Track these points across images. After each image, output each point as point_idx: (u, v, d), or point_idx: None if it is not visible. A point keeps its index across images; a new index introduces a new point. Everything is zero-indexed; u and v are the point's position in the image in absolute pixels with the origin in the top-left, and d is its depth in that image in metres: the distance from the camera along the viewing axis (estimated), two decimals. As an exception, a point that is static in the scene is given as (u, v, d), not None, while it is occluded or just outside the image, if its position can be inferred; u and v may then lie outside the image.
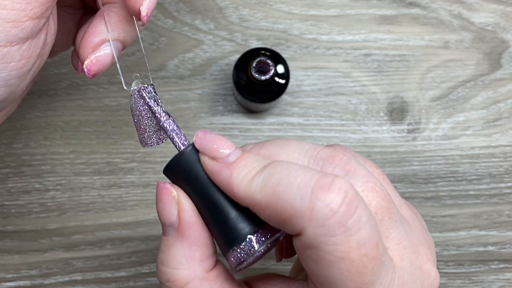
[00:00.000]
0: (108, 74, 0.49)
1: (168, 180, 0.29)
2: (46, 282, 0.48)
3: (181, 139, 0.29)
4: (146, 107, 0.30)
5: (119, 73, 0.31)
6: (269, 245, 0.27)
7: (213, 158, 0.26)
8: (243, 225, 0.26)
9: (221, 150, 0.26)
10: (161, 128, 0.30)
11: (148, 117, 0.30)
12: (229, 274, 0.28)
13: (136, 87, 0.30)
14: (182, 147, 0.28)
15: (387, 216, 0.25)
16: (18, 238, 0.49)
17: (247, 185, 0.25)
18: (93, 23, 0.31)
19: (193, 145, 0.28)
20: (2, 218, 0.49)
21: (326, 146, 0.27)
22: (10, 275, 0.48)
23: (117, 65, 0.31)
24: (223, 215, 0.26)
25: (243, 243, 0.26)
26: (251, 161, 0.26)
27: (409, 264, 0.25)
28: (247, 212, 0.26)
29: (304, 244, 0.24)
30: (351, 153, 0.28)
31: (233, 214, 0.26)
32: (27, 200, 0.49)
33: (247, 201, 0.25)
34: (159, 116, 0.29)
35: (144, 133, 0.30)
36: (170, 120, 0.29)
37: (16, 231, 0.49)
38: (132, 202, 0.49)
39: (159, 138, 0.30)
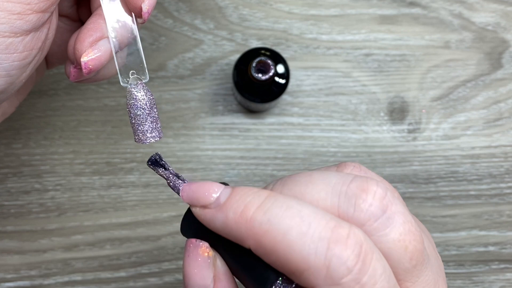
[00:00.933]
0: (107, 74, 0.49)
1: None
2: (46, 282, 0.48)
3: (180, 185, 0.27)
4: (146, 106, 0.30)
5: (117, 71, 0.31)
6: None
7: (204, 207, 0.24)
8: (267, 273, 0.23)
9: (211, 195, 0.24)
10: (170, 188, 0.28)
11: (145, 113, 0.30)
12: None
13: (133, 83, 0.31)
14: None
15: (421, 261, 0.24)
16: (17, 238, 0.48)
17: (249, 224, 0.22)
18: (91, 20, 0.31)
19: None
20: (2, 218, 0.49)
21: (348, 168, 0.26)
22: (9, 276, 0.48)
23: (115, 62, 0.31)
24: (244, 267, 0.24)
25: None
26: (245, 195, 0.23)
27: None
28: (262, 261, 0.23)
29: None
30: (378, 177, 0.25)
31: (252, 263, 0.23)
32: (26, 200, 0.49)
33: (250, 243, 0.22)
34: (169, 182, 0.27)
35: (139, 130, 0.31)
36: (180, 181, 0.27)
37: (15, 231, 0.49)
38: (131, 202, 0.49)
39: (155, 136, 0.31)
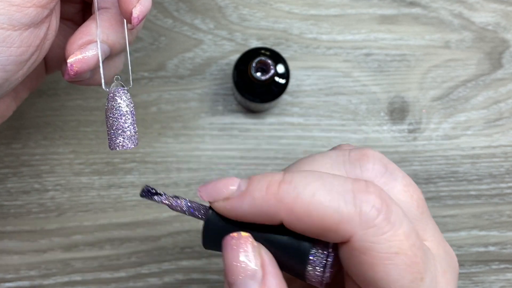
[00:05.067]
0: (107, 73, 0.49)
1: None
2: (46, 282, 0.48)
3: (199, 210, 0.27)
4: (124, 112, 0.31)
5: (100, 72, 0.31)
6: (332, 251, 0.25)
7: (227, 198, 0.25)
8: (302, 245, 0.24)
9: (230, 187, 0.25)
10: (175, 210, 0.28)
11: (124, 119, 0.30)
12: None
13: (114, 89, 0.31)
14: (203, 215, 0.27)
15: (426, 209, 0.26)
16: (17, 239, 0.48)
17: (278, 196, 0.23)
18: (85, 23, 0.31)
19: (210, 207, 0.26)
20: (1, 219, 0.48)
21: (344, 147, 0.28)
22: (9, 276, 0.48)
23: (100, 67, 0.31)
24: (280, 249, 0.25)
25: (312, 259, 0.24)
26: (264, 176, 0.24)
27: (443, 251, 0.26)
28: (293, 235, 0.24)
29: (355, 249, 0.23)
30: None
31: (286, 241, 0.25)
32: (26, 200, 0.49)
33: (282, 215, 0.23)
34: (170, 204, 0.27)
35: (116, 136, 0.31)
36: (180, 201, 0.27)
37: (15, 231, 0.49)
38: (131, 202, 0.49)
39: (132, 143, 0.31)
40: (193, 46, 0.50)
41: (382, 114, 0.50)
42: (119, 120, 0.30)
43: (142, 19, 0.30)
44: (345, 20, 0.51)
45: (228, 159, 0.49)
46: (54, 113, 0.49)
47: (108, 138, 0.31)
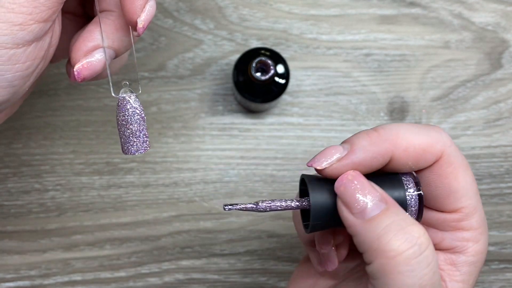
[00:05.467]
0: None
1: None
2: (46, 282, 0.48)
3: (293, 202, 0.30)
4: (137, 113, 0.31)
5: (108, 79, 0.31)
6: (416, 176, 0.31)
7: (339, 159, 0.29)
8: (396, 176, 0.30)
9: (337, 150, 0.29)
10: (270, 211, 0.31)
11: (137, 124, 0.31)
12: None
13: (123, 95, 0.31)
14: (299, 204, 0.30)
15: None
16: (17, 238, 0.48)
17: (382, 139, 0.29)
18: (88, 28, 0.31)
19: (307, 199, 0.30)
20: (2, 218, 0.49)
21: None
22: (9, 275, 0.48)
23: (108, 72, 0.31)
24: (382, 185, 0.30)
25: (405, 180, 0.30)
26: (360, 132, 0.30)
27: None
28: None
29: (444, 163, 0.30)
30: None
31: (385, 180, 0.30)
32: (26, 200, 0.49)
33: (391, 150, 0.29)
34: (247, 207, 0.30)
35: (128, 142, 0.31)
36: (275, 203, 0.30)
37: (15, 231, 0.49)
38: (131, 202, 0.49)
39: (145, 147, 0.32)
40: (193, 46, 0.50)
41: (382, 114, 0.50)
42: (131, 126, 0.31)
43: (146, 27, 0.30)
44: (345, 20, 0.51)
45: (228, 159, 0.49)
46: (54, 113, 0.49)
47: (121, 144, 0.32)
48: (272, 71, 0.44)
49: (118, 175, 0.49)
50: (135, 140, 0.31)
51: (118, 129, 0.32)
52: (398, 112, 0.50)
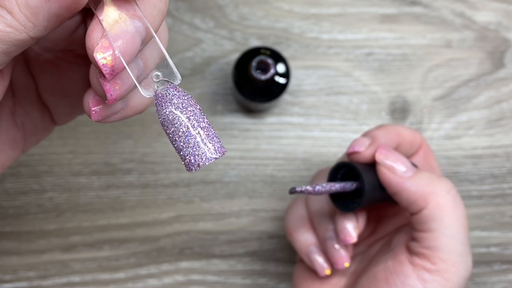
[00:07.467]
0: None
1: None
2: (44, 283, 0.48)
3: (347, 185, 0.36)
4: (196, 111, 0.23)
5: (134, 82, 0.25)
6: None
7: (371, 144, 0.37)
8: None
9: (365, 139, 0.38)
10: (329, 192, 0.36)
11: (193, 127, 0.23)
12: None
13: (159, 93, 0.23)
14: (354, 185, 0.37)
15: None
16: (15, 239, 0.48)
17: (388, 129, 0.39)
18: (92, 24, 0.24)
19: (356, 182, 0.37)
20: (0, 219, 0.48)
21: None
22: (7, 277, 0.48)
23: (128, 71, 0.24)
24: None
25: None
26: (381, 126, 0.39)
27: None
28: None
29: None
30: None
31: None
32: (24, 200, 0.48)
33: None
34: (330, 190, 0.36)
35: (186, 154, 0.22)
36: (334, 185, 0.36)
37: (13, 232, 0.48)
38: (130, 203, 0.49)
39: (219, 150, 0.23)
40: (193, 45, 0.50)
41: (383, 113, 0.50)
42: (182, 136, 0.23)
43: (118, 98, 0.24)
44: (346, 19, 0.50)
45: (228, 159, 0.49)
46: (52, 113, 0.49)
47: (182, 159, 0.23)
48: (272, 71, 0.43)
49: (117, 175, 0.49)
50: (191, 152, 0.23)
51: (170, 140, 0.23)
52: (400, 111, 0.50)
